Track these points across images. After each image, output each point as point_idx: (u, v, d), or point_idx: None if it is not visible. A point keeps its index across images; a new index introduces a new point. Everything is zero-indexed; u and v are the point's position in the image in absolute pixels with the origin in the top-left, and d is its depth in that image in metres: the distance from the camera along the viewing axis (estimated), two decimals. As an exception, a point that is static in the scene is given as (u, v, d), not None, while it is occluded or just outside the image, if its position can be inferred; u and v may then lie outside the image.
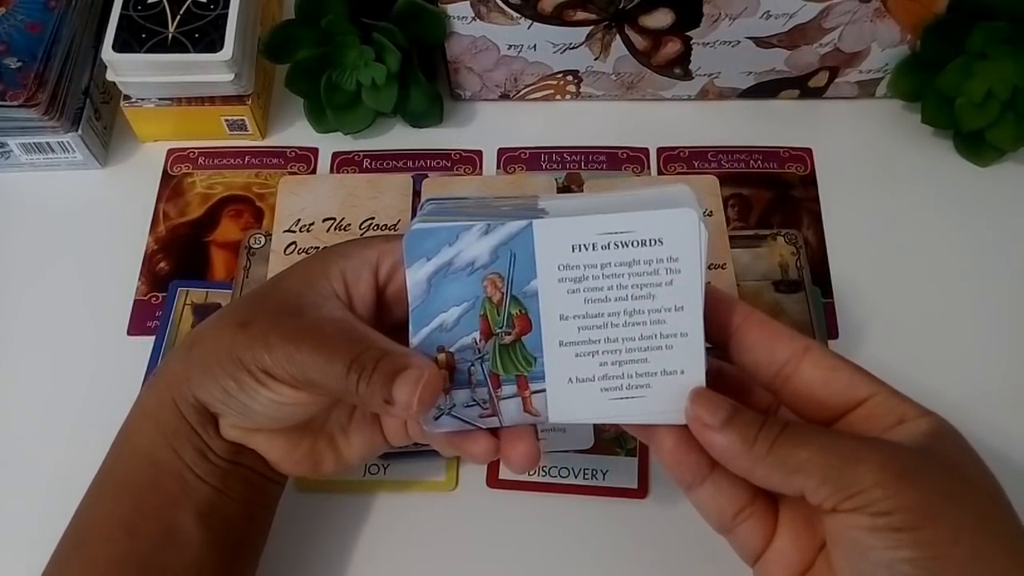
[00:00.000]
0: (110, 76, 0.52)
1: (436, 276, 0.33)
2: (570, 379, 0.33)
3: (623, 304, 0.33)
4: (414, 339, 0.34)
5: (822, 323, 0.48)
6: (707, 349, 0.33)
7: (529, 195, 0.38)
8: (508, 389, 0.34)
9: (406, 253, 0.34)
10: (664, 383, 0.33)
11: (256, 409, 0.34)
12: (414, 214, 0.49)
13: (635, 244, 0.32)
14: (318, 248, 0.49)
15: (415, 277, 0.34)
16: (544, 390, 0.34)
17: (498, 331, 0.34)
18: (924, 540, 0.28)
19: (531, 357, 0.34)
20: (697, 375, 0.33)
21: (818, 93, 0.55)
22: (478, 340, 0.34)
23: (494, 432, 0.35)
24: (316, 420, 0.38)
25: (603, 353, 0.33)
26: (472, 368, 0.34)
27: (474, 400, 0.34)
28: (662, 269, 0.32)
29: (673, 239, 0.32)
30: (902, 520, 0.28)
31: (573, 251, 0.33)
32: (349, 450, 0.39)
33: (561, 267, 0.33)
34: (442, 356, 0.34)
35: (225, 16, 0.51)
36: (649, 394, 0.33)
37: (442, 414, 0.34)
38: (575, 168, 0.54)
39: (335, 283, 0.35)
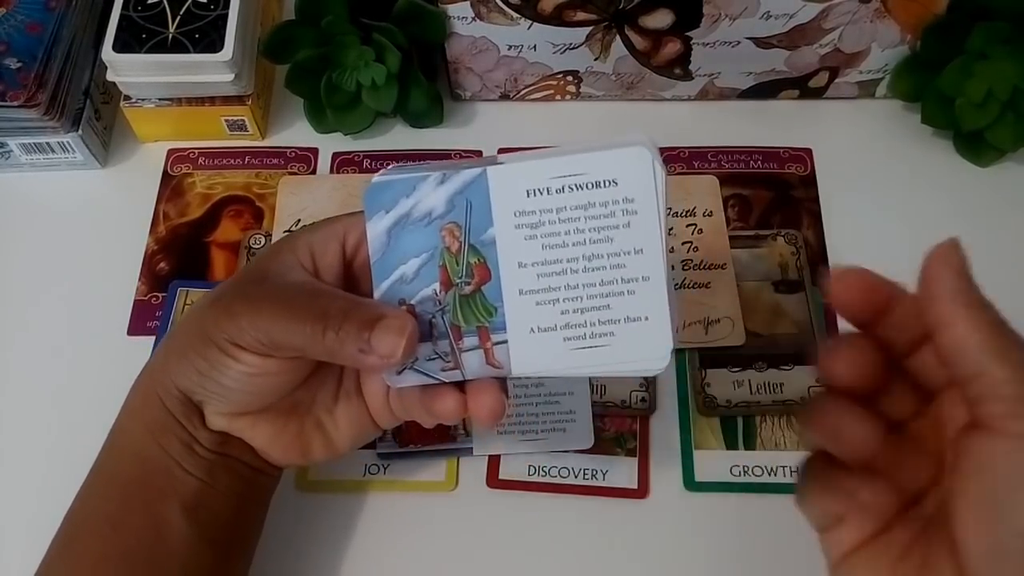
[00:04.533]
0: (110, 76, 0.52)
1: (395, 228, 0.33)
2: (532, 329, 0.33)
3: (581, 249, 0.32)
4: (376, 292, 0.34)
5: (822, 323, 0.48)
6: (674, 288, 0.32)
7: (492, 156, 0.38)
8: (470, 341, 0.34)
9: (366, 207, 0.33)
10: (628, 331, 0.33)
11: (230, 386, 0.35)
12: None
13: (589, 186, 0.32)
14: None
15: (375, 230, 0.33)
16: (506, 341, 0.33)
17: (457, 281, 0.33)
18: None
19: (491, 307, 0.33)
20: (662, 322, 0.32)
21: (818, 93, 0.55)
22: (438, 291, 0.33)
23: (461, 388, 0.34)
24: (301, 402, 0.38)
25: (564, 301, 0.33)
26: (433, 320, 0.34)
27: (436, 353, 0.34)
28: (618, 211, 0.32)
29: (627, 179, 0.32)
30: None
31: (528, 196, 0.32)
32: (337, 433, 0.38)
33: (517, 213, 0.33)
34: (404, 309, 0.34)
35: (225, 16, 0.51)
36: (613, 343, 0.33)
37: (404, 368, 0.34)
38: (575, 168, 0.54)
39: (301, 255, 0.35)
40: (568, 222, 0.32)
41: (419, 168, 0.34)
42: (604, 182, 0.32)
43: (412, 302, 0.34)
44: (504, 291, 0.33)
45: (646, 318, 0.32)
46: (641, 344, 0.32)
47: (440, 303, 0.34)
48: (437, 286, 0.33)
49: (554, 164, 0.32)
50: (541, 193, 0.32)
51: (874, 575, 0.29)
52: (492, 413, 0.34)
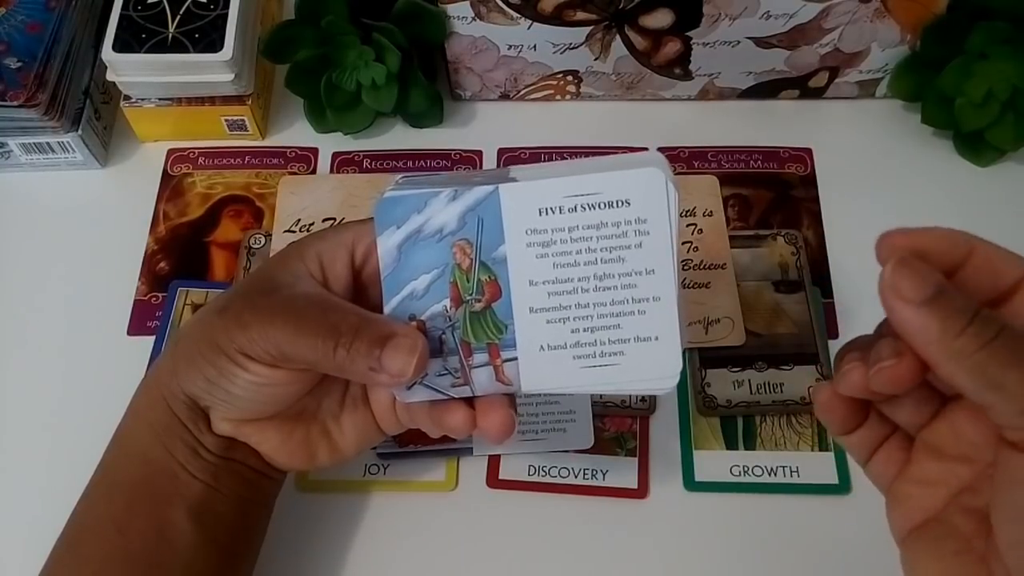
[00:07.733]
0: (110, 76, 0.52)
1: (406, 244, 0.33)
2: (541, 347, 0.33)
3: (593, 268, 0.32)
4: (386, 307, 0.34)
5: (822, 323, 0.48)
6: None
7: (503, 169, 0.38)
8: (480, 358, 0.34)
9: (377, 222, 0.33)
10: (638, 350, 0.33)
11: (238, 394, 0.35)
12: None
13: (602, 206, 0.32)
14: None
15: (385, 245, 0.34)
16: (516, 358, 0.33)
17: (468, 298, 0.33)
18: None
19: (502, 324, 0.33)
20: (672, 343, 0.33)
21: (818, 93, 0.55)
22: (448, 308, 0.34)
23: (470, 403, 0.35)
24: (307, 409, 0.38)
25: (574, 319, 0.33)
26: (444, 336, 0.34)
27: (446, 369, 0.34)
28: (631, 231, 0.32)
29: (640, 200, 0.32)
30: None
31: (540, 215, 0.32)
32: (343, 439, 0.39)
33: (529, 231, 0.33)
34: (414, 325, 0.34)
35: (225, 16, 0.51)
36: (623, 362, 0.33)
37: (414, 384, 0.34)
38: (575, 168, 0.54)
39: (310, 264, 0.35)
40: (580, 241, 0.32)
41: (430, 182, 0.34)
42: (617, 202, 0.32)
43: (422, 318, 0.34)
44: (515, 309, 0.33)
45: (656, 338, 0.33)
46: (650, 363, 0.33)
47: (450, 319, 0.34)
48: (448, 302, 0.34)
49: (567, 183, 0.32)
50: (553, 212, 0.32)
51: (938, 562, 0.29)
52: (502, 429, 0.34)
